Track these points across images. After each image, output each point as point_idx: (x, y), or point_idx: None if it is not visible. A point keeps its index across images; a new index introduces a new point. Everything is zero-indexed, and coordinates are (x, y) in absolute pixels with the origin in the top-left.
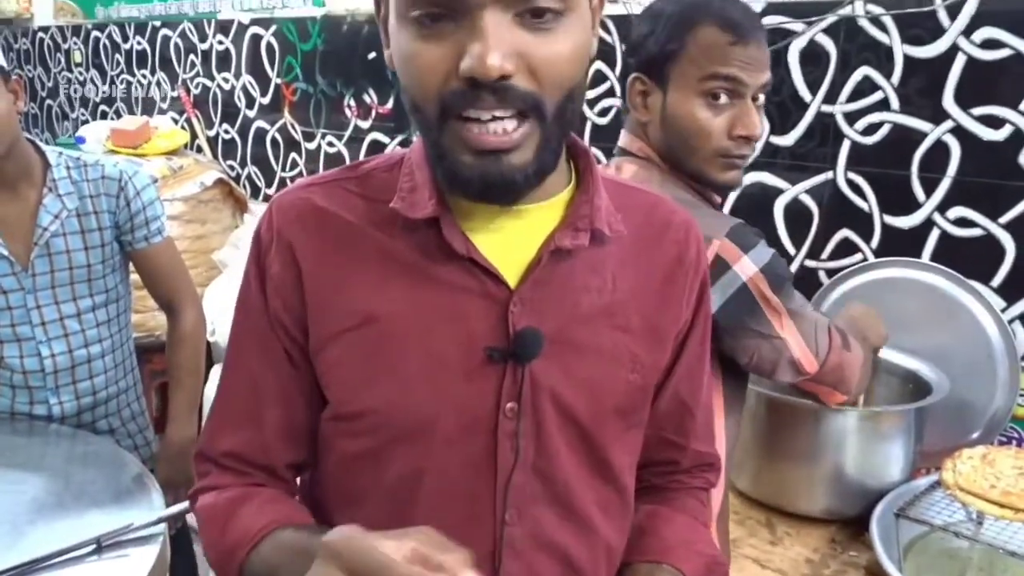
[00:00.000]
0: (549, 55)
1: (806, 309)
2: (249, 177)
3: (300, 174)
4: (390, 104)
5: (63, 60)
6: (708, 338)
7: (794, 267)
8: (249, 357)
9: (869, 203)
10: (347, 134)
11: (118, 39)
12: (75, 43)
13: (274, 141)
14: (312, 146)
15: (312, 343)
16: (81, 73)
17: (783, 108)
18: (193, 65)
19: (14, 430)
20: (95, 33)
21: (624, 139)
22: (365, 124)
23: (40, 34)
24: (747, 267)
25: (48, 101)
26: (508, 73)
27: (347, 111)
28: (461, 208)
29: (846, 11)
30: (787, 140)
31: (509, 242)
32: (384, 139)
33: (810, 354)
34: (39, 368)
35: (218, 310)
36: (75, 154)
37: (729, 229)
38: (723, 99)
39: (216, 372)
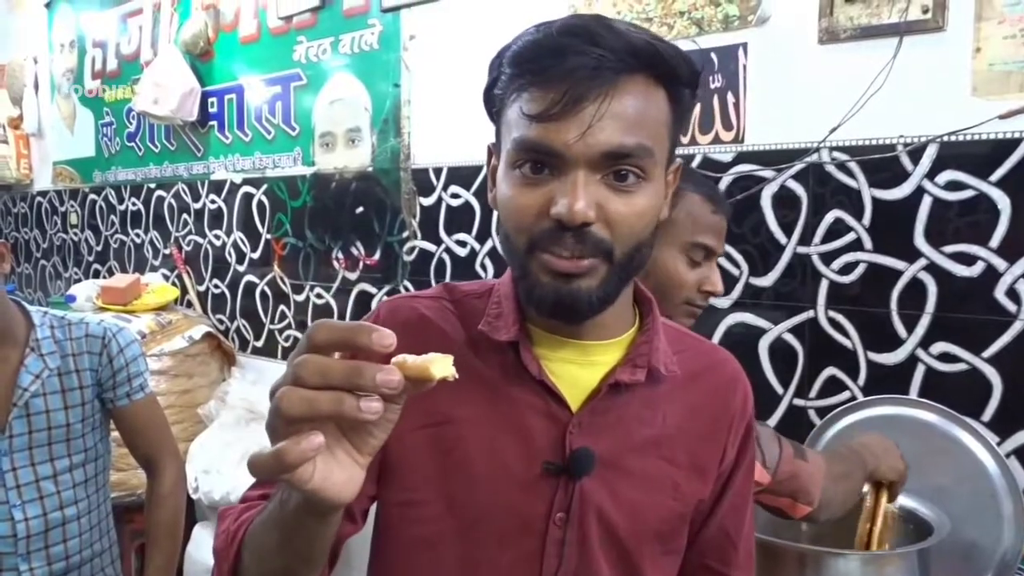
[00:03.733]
0: (624, 211)
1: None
2: (238, 330)
3: (289, 326)
4: (377, 256)
5: (59, 222)
6: (752, 475)
7: (782, 407)
8: None
9: (852, 341)
10: (335, 285)
11: (114, 201)
12: (72, 206)
13: (263, 294)
14: (301, 298)
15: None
16: (76, 234)
17: (761, 249)
18: (186, 224)
19: None
20: (92, 196)
21: None
22: (353, 275)
23: (39, 198)
24: None
25: (42, 261)
26: (589, 220)
27: (335, 263)
28: (538, 337)
29: (813, 158)
30: (766, 281)
31: (575, 372)
32: (372, 289)
33: (758, 463)
34: (10, 533)
35: (203, 466)
36: (60, 313)
37: None
38: (699, 260)
39: (197, 531)
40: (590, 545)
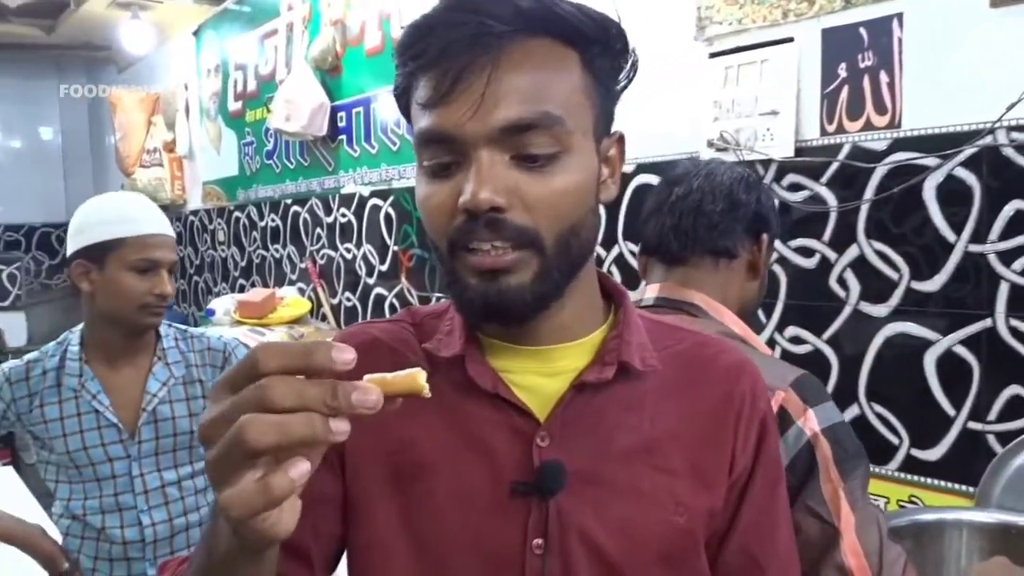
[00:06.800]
0: (543, 192)
1: (878, 517)
2: None
3: None
4: None
5: (209, 239)
6: (780, 486)
7: (954, 431)
8: None
9: None
10: None
11: (255, 218)
12: (219, 223)
13: (392, 307)
14: None
15: (351, 461)
16: (223, 250)
17: (925, 250)
18: (319, 238)
19: None
20: (236, 213)
21: (694, 296)
22: None
23: (191, 217)
24: (811, 423)
25: (195, 277)
26: (499, 206)
27: None
28: (493, 348)
29: (987, 141)
30: (932, 285)
31: (539, 382)
32: None
33: (867, 569)
34: (139, 538)
35: None
36: (181, 326)
37: (794, 379)
38: None
39: None
40: (576, 574)
